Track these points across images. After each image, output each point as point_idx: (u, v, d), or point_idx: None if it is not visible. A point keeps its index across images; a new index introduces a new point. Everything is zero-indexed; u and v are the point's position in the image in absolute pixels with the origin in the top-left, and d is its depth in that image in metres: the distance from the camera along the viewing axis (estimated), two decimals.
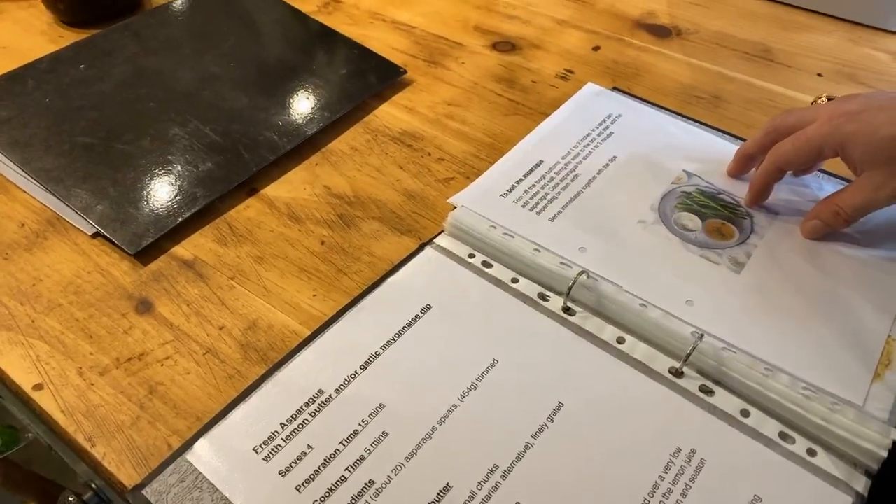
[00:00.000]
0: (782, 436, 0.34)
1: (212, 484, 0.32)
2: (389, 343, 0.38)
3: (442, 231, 0.44)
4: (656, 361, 0.37)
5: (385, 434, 0.34)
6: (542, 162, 0.48)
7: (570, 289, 0.39)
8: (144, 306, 0.41)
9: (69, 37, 0.63)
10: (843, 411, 0.34)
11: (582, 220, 0.44)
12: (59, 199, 0.46)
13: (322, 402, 0.35)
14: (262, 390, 0.36)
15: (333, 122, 0.53)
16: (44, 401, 0.37)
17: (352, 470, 0.33)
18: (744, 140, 0.48)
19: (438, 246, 0.43)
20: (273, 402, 0.36)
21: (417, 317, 0.39)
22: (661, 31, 0.64)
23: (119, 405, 0.36)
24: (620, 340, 0.38)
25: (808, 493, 0.32)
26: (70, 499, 0.59)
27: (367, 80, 0.57)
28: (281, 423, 0.34)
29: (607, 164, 0.48)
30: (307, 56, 0.59)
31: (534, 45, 0.63)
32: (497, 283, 0.41)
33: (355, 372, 0.37)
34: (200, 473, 0.33)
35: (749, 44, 0.62)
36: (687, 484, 0.32)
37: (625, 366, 0.37)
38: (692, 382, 0.36)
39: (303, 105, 0.54)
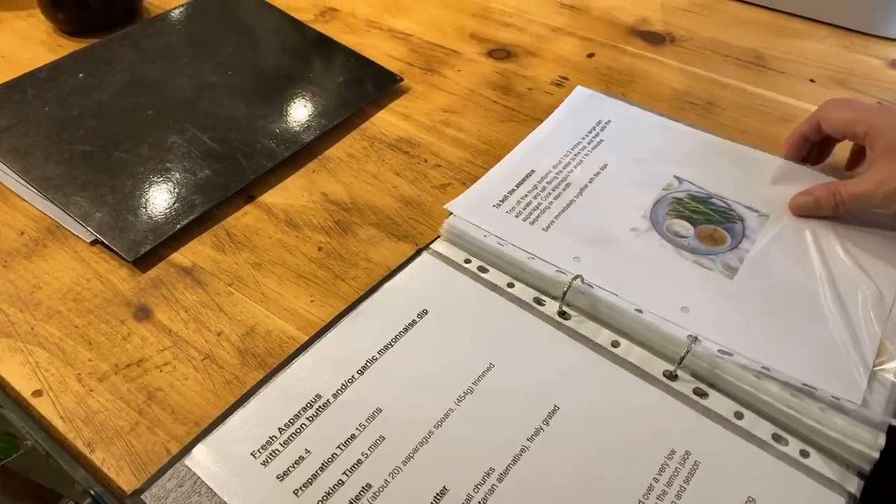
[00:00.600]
0: (776, 437, 0.35)
1: (210, 488, 0.33)
2: (386, 348, 0.38)
3: (438, 237, 0.45)
4: (651, 365, 0.38)
5: (382, 438, 0.34)
6: (533, 171, 0.48)
7: (565, 293, 0.39)
8: (143, 313, 0.41)
9: (68, 46, 0.64)
10: (835, 413, 0.34)
11: (575, 229, 0.44)
12: (59, 207, 0.47)
13: (320, 406, 0.36)
14: (260, 395, 0.36)
15: (330, 130, 0.54)
16: (43, 407, 0.37)
17: (349, 474, 0.33)
18: (736, 143, 0.50)
19: (435, 251, 0.44)
20: (271, 407, 0.36)
21: (414, 322, 0.40)
22: (655, 38, 0.65)
23: (118, 411, 0.37)
24: (615, 344, 0.39)
25: (802, 494, 0.32)
26: None
27: (363, 87, 0.57)
28: (279, 428, 0.35)
29: (598, 173, 0.48)
30: (304, 64, 0.60)
31: (529, 52, 0.63)
32: (493, 287, 0.42)
33: (353, 377, 0.37)
34: (199, 478, 0.33)
35: (742, 50, 0.63)
36: (681, 486, 0.33)
37: (619, 369, 0.37)
38: (686, 385, 0.37)
39: (300, 113, 0.55)
